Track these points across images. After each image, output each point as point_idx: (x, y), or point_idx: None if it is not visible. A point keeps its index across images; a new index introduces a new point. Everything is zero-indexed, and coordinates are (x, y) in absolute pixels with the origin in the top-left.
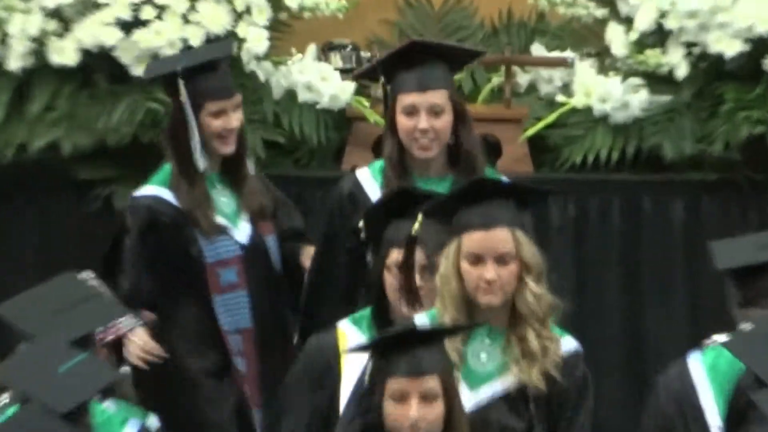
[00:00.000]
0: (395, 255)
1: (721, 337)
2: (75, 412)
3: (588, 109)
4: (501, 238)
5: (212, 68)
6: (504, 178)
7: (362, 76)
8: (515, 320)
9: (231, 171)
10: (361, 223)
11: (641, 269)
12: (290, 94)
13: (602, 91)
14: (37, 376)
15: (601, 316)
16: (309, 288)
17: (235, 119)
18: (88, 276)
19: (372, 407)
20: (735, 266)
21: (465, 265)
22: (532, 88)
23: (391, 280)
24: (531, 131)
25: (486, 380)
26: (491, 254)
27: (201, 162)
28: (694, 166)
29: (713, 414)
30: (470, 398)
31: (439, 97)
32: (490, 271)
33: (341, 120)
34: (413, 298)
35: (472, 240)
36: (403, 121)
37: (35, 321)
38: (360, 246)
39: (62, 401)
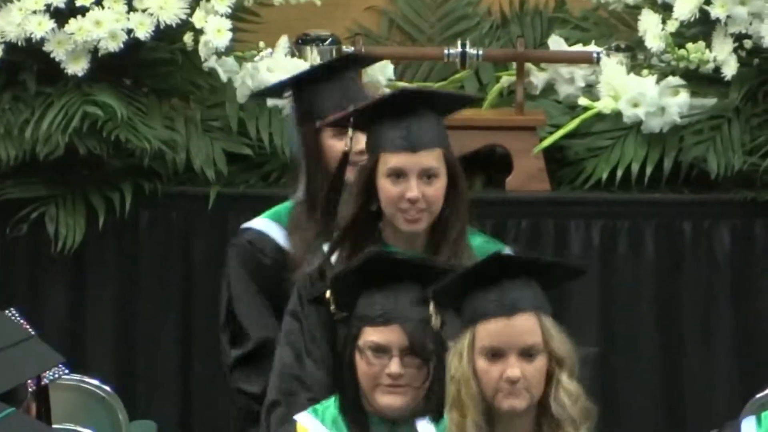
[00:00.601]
0: (369, 335)
1: None
2: None
3: (617, 115)
4: (526, 327)
5: (329, 76)
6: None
7: (335, 125)
8: (540, 429)
9: None
10: (328, 293)
11: (680, 308)
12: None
13: (634, 94)
14: None
15: (631, 365)
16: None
17: None
18: (12, 314)
19: None
20: None
21: (481, 363)
22: (549, 89)
23: (363, 366)
24: (548, 141)
25: None
26: (514, 348)
27: None
28: (745, 183)
29: None
30: None
31: (433, 158)
32: (513, 368)
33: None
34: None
35: (490, 331)
36: (387, 187)
37: None
38: (332, 319)
39: None
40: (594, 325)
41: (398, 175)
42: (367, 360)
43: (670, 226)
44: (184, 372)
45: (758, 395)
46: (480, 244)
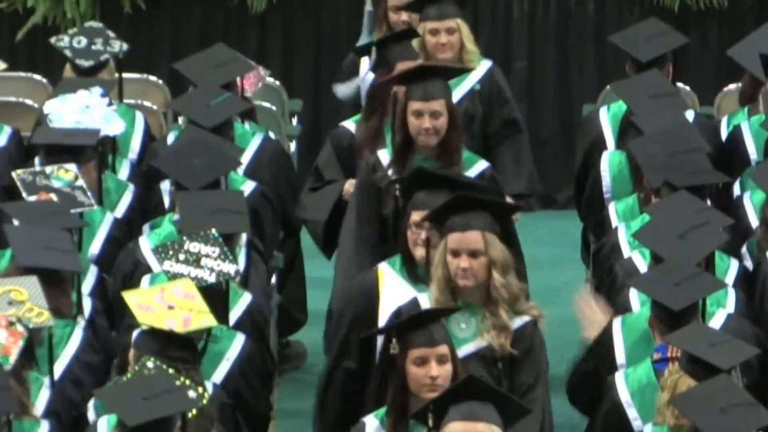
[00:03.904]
0: (413, 215)
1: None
2: (221, 128)
3: None
4: (474, 238)
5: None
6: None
7: (387, 81)
8: (489, 300)
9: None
10: (398, 192)
11: (571, 43)
12: None
13: None
14: (196, 105)
15: (540, 72)
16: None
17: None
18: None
19: (396, 373)
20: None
21: (448, 257)
22: None
23: (410, 234)
24: None
25: (464, 342)
26: (466, 249)
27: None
28: None
29: (610, 140)
30: None
31: (439, 104)
32: (464, 261)
33: None
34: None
35: (453, 239)
36: (412, 121)
37: (205, 74)
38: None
39: (212, 119)
40: (524, 51)
41: (419, 114)
42: (411, 230)
43: None
44: None
45: (608, 87)
46: (467, 156)
